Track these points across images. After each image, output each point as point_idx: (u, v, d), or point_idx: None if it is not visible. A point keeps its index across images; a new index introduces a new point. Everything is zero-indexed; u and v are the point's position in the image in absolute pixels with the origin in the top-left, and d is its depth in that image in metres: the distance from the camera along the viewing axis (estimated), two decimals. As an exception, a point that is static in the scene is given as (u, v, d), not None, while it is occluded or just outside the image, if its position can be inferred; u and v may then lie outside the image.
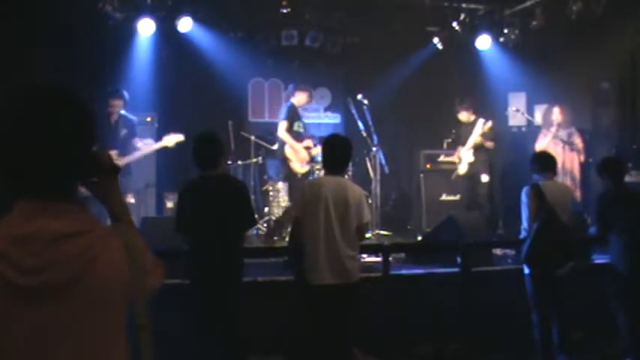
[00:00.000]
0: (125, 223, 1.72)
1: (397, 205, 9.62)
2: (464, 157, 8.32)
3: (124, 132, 6.94)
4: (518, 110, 9.06)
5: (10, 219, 1.50)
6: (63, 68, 7.19)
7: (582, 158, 8.24)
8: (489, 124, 8.20)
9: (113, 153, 6.78)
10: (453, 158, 8.57)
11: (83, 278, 1.48)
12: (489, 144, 8.23)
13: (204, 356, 4.35)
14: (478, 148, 8.24)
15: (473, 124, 8.32)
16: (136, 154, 6.91)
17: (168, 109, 8.21)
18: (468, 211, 7.95)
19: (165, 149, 6.99)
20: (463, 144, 8.37)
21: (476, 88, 9.56)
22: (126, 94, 6.97)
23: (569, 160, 8.16)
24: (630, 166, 7.61)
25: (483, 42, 9.09)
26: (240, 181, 5.40)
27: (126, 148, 6.88)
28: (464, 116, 8.38)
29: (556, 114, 8.15)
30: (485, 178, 8.26)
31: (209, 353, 4.32)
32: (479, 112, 8.42)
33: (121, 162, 6.78)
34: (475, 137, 8.20)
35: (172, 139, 6.83)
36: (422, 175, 8.86)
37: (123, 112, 6.95)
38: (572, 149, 8.13)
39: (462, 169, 8.36)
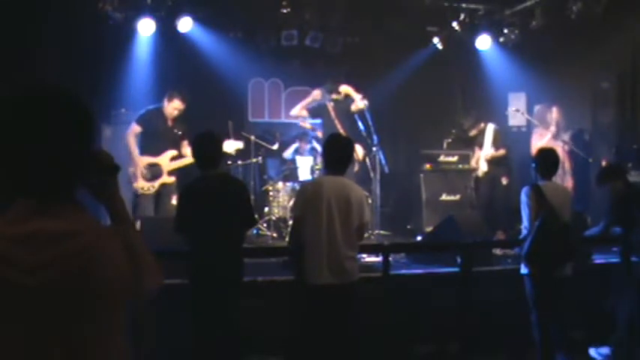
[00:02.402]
0: (124, 222, 1.72)
1: (397, 205, 9.62)
2: (481, 165, 8.41)
3: (179, 133, 6.96)
4: (518, 110, 9.06)
5: (10, 218, 1.50)
6: (63, 68, 7.20)
7: (582, 160, 8.28)
8: (494, 127, 8.30)
9: (170, 154, 6.80)
10: (470, 164, 8.61)
11: (82, 278, 1.48)
12: (501, 152, 8.30)
13: (204, 356, 4.35)
14: (492, 161, 8.32)
15: (483, 131, 8.41)
16: (186, 161, 6.85)
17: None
18: (467, 211, 7.96)
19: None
20: (479, 146, 8.45)
21: (476, 88, 9.57)
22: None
23: (567, 160, 8.17)
24: (630, 166, 7.62)
25: (483, 42, 9.09)
26: (240, 180, 5.40)
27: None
28: (474, 132, 8.47)
29: (555, 113, 8.18)
30: (505, 181, 8.32)
31: (209, 353, 4.32)
32: (484, 119, 8.50)
33: (173, 164, 6.84)
34: (488, 145, 8.28)
35: (232, 146, 6.87)
36: (422, 175, 8.85)
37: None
38: (570, 150, 8.14)
39: (480, 172, 8.44)
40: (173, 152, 6.83)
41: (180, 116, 6.91)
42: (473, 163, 8.59)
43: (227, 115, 8.37)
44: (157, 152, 6.75)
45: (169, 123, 6.85)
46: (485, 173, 8.38)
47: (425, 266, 6.30)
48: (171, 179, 6.86)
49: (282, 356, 5.03)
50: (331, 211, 4.29)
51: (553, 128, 8.13)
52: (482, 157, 8.39)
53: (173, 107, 6.78)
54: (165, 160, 6.80)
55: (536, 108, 9.13)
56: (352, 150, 4.59)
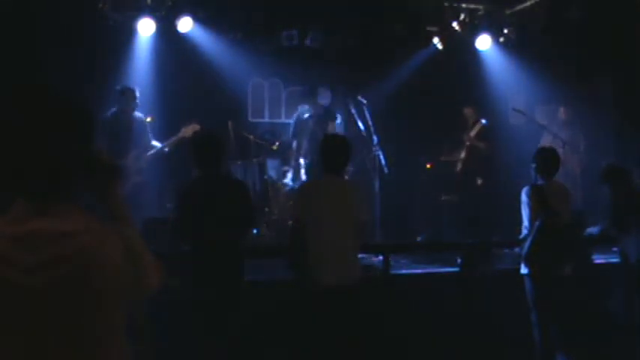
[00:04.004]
0: (125, 222, 1.72)
1: (397, 205, 9.60)
2: (460, 153, 8.46)
3: (137, 131, 7.09)
4: (518, 110, 9.06)
5: (10, 219, 1.50)
6: (62, 68, 7.19)
7: (584, 160, 8.27)
8: (483, 122, 8.34)
9: (133, 156, 6.92)
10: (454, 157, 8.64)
11: (82, 278, 1.48)
12: (481, 145, 8.31)
13: (204, 357, 4.35)
14: (471, 149, 8.33)
15: (474, 125, 8.43)
16: (154, 150, 7.05)
17: (168, 109, 8.20)
18: (467, 211, 7.96)
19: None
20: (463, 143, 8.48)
21: (476, 88, 9.57)
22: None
23: (569, 161, 8.17)
24: (631, 166, 7.62)
25: (483, 42, 9.08)
26: (240, 181, 5.40)
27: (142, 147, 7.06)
28: (468, 112, 8.50)
29: (560, 114, 8.22)
30: (479, 180, 8.33)
31: (209, 354, 4.32)
32: (481, 115, 8.53)
33: (142, 160, 6.96)
34: (470, 137, 8.32)
35: (190, 129, 6.94)
36: (422, 175, 8.85)
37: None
38: (573, 151, 8.14)
39: (458, 166, 8.48)
40: (134, 153, 6.95)
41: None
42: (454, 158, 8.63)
43: (227, 115, 8.37)
44: (121, 155, 6.84)
45: (127, 123, 6.99)
46: (462, 166, 8.39)
47: (425, 266, 6.30)
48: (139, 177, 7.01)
49: (283, 357, 5.03)
50: (331, 211, 4.28)
51: (555, 129, 8.16)
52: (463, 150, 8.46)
53: (133, 99, 6.96)
54: (131, 161, 6.93)
55: (546, 108, 9.13)
56: (349, 150, 4.59)
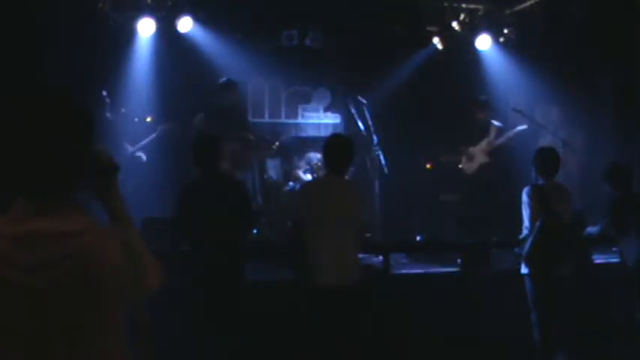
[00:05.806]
0: (124, 222, 1.72)
1: (397, 205, 9.60)
2: (477, 157, 8.38)
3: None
4: (518, 110, 9.07)
5: (10, 218, 1.50)
6: (62, 68, 7.19)
7: (582, 160, 8.27)
8: (495, 124, 8.34)
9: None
10: (462, 157, 8.59)
11: (82, 278, 1.48)
12: (501, 143, 8.33)
13: (204, 357, 4.35)
14: (493, 151, 8.31)
15: (487, 125, 8.41)
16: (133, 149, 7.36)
17: (168, 109, 8.20)
18: (467, 211, 7.96)
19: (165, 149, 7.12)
20: (474, 143, 8.44)
21: (476, 88, 9.57)
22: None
23: (568, 161, 8.17)
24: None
25: (483, 42, 9.08)
26: (239, 181, 5.40)
27: None
28: (481, 115, 8.47)
29: (555, 115, 8.20)
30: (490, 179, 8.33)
31: (209, 354, 4.32)
32: (493, 115, 8.53)
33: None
34: (491, 139, 8.28)
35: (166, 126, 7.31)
36: (422, 175, 8.85)
37: None
38: (572, 150, 8.14)
39: (471, 168, 8.40)
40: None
41: None
42: (463, 159, 8.56)
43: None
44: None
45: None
46: (480, 168, 8.37)
47: (425, 266, 6.30)
48: None
49: (283, 357, 5.03)
50: (332, 211, 4.28)
51: (551, 128, 8.17)
52: (479, 150, 8.40)
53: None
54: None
55: (544, 108, 9.13)
56: (352, 150, 4.59)
